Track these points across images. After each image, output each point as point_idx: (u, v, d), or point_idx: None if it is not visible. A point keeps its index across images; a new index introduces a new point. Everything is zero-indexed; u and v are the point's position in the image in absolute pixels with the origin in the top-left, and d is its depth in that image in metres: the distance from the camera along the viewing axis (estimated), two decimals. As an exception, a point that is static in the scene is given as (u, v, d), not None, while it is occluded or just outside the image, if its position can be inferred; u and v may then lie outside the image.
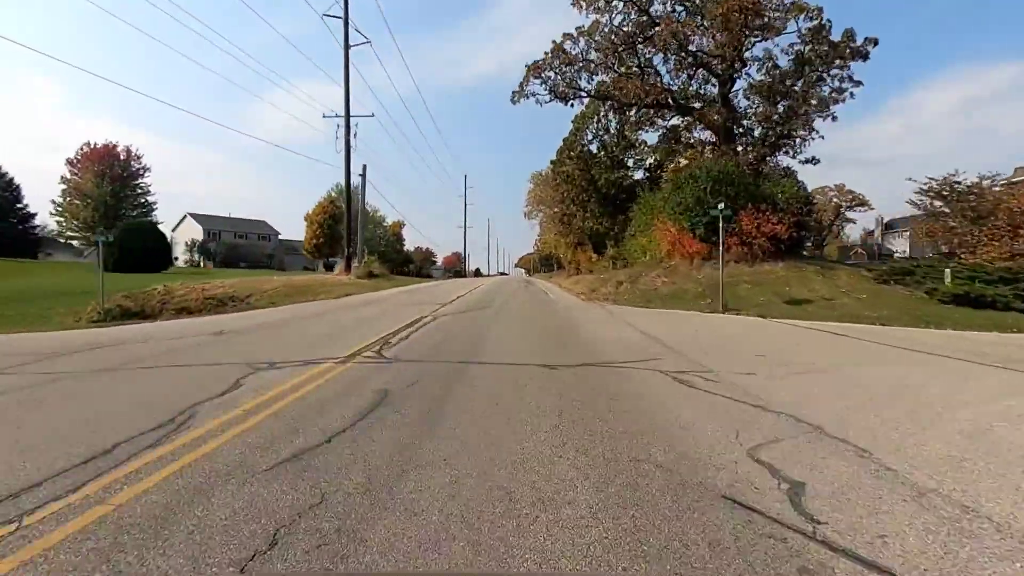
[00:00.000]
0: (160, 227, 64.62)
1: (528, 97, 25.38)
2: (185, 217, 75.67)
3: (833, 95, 25.17)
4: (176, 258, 71.61)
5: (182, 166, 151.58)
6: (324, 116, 34.51)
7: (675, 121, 28.94)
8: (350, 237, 35.58)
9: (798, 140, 23.59)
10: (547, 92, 25.11)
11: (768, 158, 23.31)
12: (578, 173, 33.45)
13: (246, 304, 18.84)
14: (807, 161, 24.17)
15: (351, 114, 34.22)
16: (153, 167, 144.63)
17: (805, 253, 20.67)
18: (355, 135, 34.60)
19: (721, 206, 14.61)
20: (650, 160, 33.34)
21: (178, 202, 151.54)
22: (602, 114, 33.37)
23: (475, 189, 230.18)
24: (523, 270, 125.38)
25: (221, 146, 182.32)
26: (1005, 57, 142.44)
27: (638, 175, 34.22)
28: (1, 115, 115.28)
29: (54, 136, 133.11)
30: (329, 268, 49.90)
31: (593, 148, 34.54)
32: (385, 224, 74.24)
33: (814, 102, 22.62)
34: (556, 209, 48.02)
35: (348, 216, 34.79)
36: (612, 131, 33.24)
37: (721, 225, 14.79)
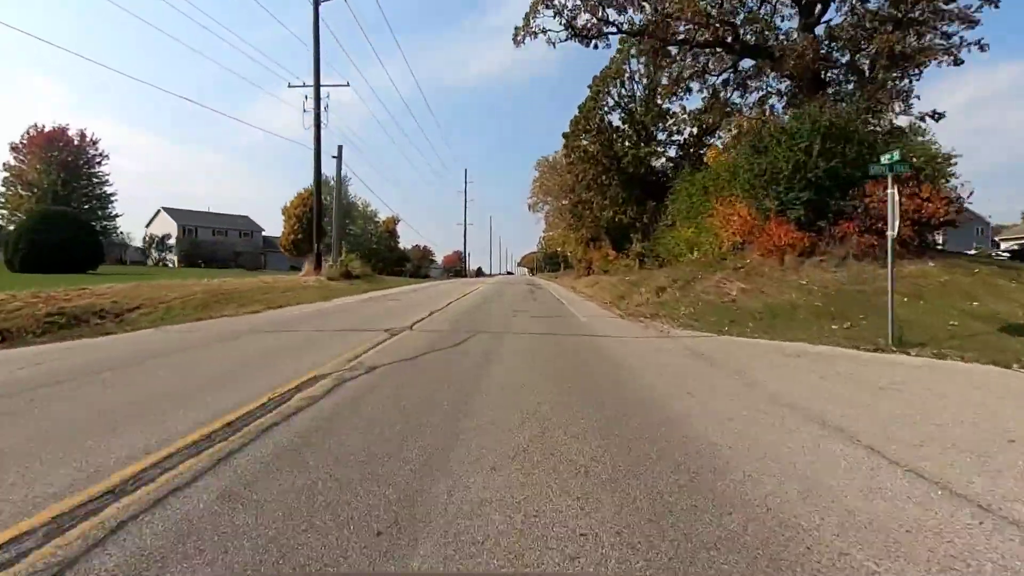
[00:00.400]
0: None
1: (536, 35, 18.62)
2: (159, 212, 69.39)
3: (941, 42, 18.66)
4: (149, 255, 65.64)
5: (182, 166, 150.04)
6: (290, 86, 28.11)
7: (724, 77, 22.36)
8: (319, 229, 29.36)
9: (908, 85, 16.93)
10: (563, 27, 18.36)
11: (875, 112, 16.50)
12: (597, 149, 26.74)
13: (119, 321, 12.51)
14: (925, 116, 17.26)
15: (321, 83, 28.25)
16: (153, 167, 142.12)
17: (940, 247, 13.97)
18: (326, 108, 28.70)
19: (894, 155, 8.08)
20: (687, 132, 26.66)
21: (178, 203, 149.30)
22: (627, 76, 26.74)
23: (476, 185, 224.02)
24: (526, 269, 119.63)
25: (221, 146, 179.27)
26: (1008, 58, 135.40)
27: (672, 152, 27.49)
28: (1, 115, 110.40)
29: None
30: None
31: (615, 119, 27.84)
32: (377, 220, 68.50)
33: (947, 30, 16.00)
34: (566, 200, 41.70)
35: (317, 203, 28.53)
36: (639, 96, 26.54)
37: (891, 192, 8.23)
